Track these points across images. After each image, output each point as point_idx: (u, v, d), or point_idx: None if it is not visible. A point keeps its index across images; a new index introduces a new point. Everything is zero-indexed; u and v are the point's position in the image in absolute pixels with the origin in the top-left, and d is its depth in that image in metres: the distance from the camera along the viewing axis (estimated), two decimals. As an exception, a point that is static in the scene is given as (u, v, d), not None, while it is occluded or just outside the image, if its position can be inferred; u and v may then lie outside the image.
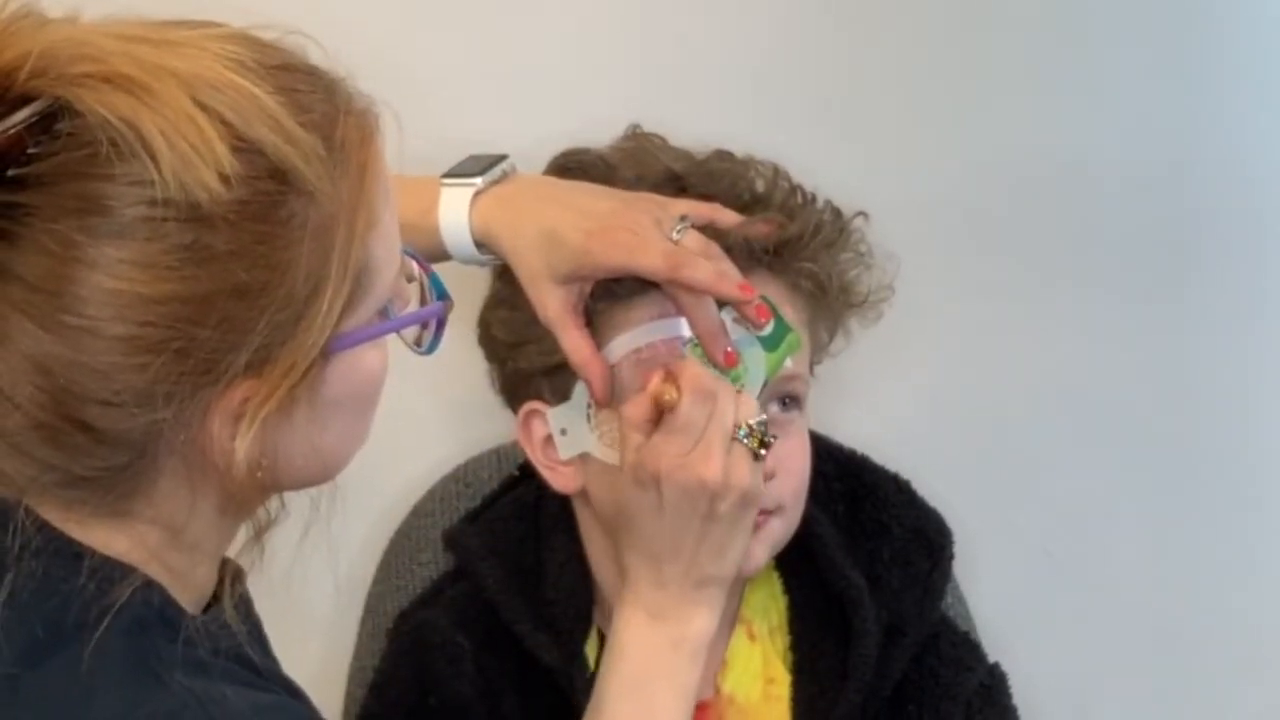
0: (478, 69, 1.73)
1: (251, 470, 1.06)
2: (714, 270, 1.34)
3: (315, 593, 1.79)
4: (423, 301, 1.15)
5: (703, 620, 1.33)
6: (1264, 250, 1.85)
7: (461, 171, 1.42)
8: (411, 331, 1.14)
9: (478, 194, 1.40)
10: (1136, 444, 1.86)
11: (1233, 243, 1.84)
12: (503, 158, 1.43)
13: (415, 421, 1.79)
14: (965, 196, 1.80)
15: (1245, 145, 1.83)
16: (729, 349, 1.36)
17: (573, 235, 1.34)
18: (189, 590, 1.12)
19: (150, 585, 1.08)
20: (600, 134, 1.52)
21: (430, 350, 1.16)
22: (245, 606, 1.21)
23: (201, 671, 1.06)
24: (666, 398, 1.32)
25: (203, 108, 1.00)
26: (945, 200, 1.79)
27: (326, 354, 1.05)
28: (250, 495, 1.11)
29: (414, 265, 1.15)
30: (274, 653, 1.22)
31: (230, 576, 1.19)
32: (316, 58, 1.10)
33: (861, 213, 1.46)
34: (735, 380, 1.37)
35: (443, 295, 1.15)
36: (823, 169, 1.48)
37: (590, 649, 1.48)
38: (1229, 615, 1.89)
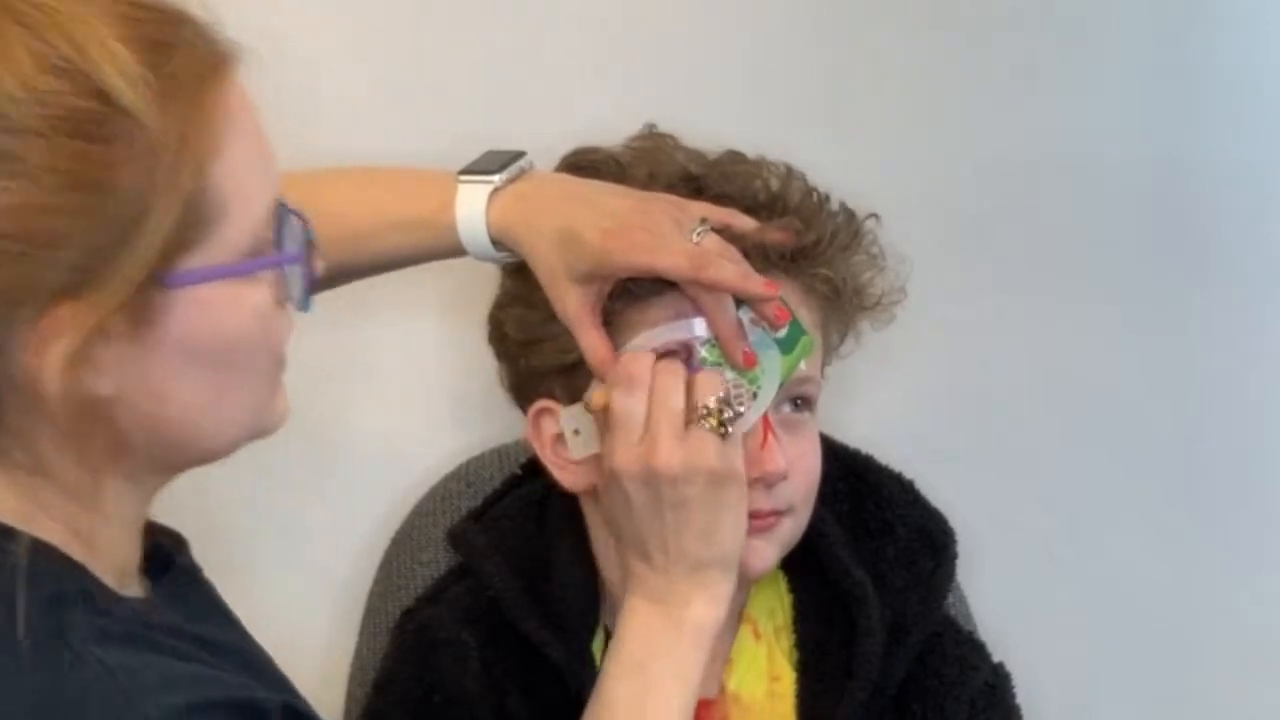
0: (488, 69, 1.73)
1: (84, 407, 1.05)
2: (738, 269, 1.33)
3: (316, 592, 1.79)
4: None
5: (703, 605, 1.33)
6: (1266, 251, 1.86)
7: (479, 168, 1.41)
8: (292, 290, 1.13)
9: (495, 191, 1.39)
10: (1139, 445, 1.87)
11: (1235, 244, 1.85)
12: (520, 154, 1.43)
13: (417, 421, 1.80)
14: (968, 198, 1.80)
15: (1248, 146, 1.84)
16: (747, 350, 1.36)
17: (592, 235, 1.33)
18: (104, 558, 1.12)
19: (70, 563, 1.08)
20: (606, 134, 1.52)
21: (302, 307, 1.14)
22: (189, 576, 1.22)
23: (120, 642, 1.06)
24: (597, 401, 1.34)
25: (20, 23, 1.01)
26: (948, 201, 1.79)
27: (163, 286, 1.05)
28: (128, 449, 1.10)
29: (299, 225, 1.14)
30: (236, 622, 1.24)
31: (169, 546, 1.21)
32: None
33: (874, 214, 1.46)
34: (752, 382, 1.37)
35: (307, 244, 1.15)
36: (829, 170, 1.48)
37: (597, 647, 1.48)
38: (1230, 615, 1.90)
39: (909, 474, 1.59)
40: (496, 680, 1.47)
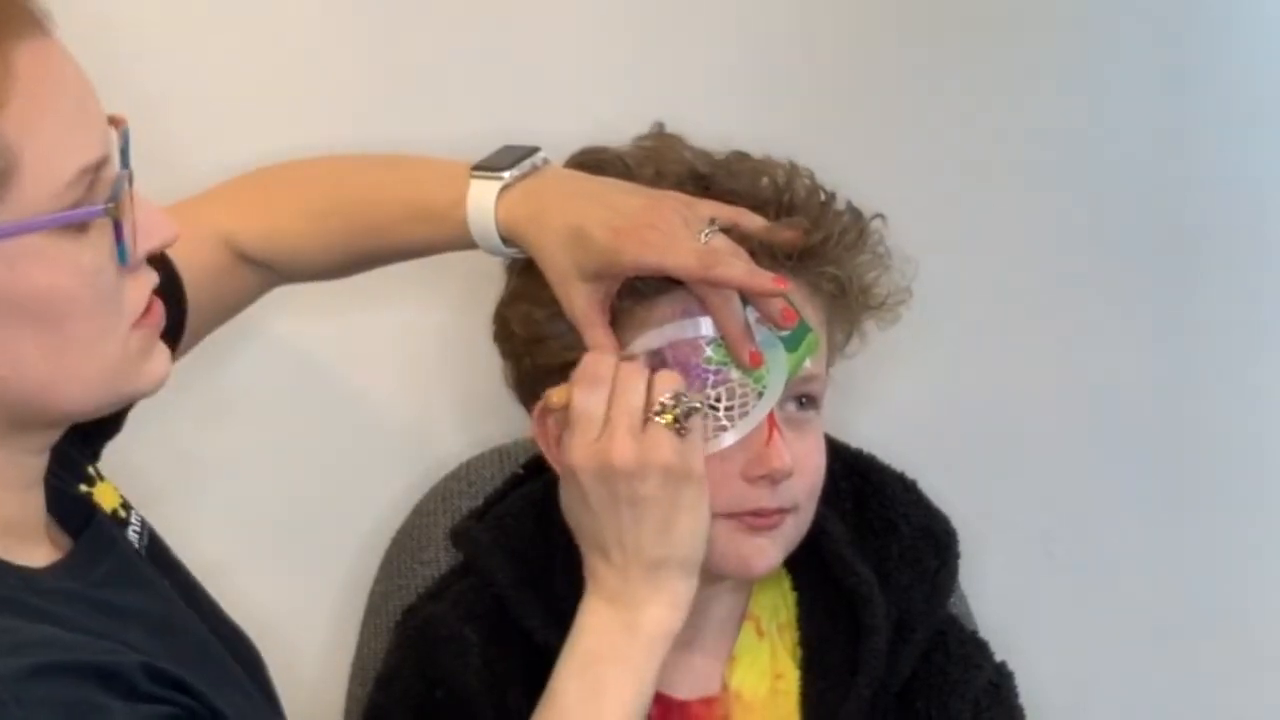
0: (498, 69, 1.73)
1: None
2: (747, 267, 1.34)
3: (316, 592, 1.79)
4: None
5: (659, 608, 1.33)
6: (1266, 252, 1.87)
7: (491, 165, 1.42)
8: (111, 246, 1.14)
9: (504, 189, 1.39)
10: (1139, 446, 1.88)
11: (1235, 245, 1.86)
12: (534, 150, 1.43)
13: (417, 421, 1.80)
14: (971, 199, 1.81)
15: (1248, 147, 1.85)
16: (754, 349, 1.36)
17: (601, 233, 1.33)
18: None
19: None
20: (613, 134, 1.52)
21: (121, 260, 1.15)
22: (106, 539, 1.24)
23: None
24: (556, 399, 1.34)
25: None
26: (950, 202, 1.80)
27: None
28: None
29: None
30: (156, 584, 1.25)
31: (90, 506, 1.24)
32: None
33: (879, 215, 1.47)
34: (758, 381, 1.37)
35: (112, 199, 1.14)
36: (835, 170, 1.48)
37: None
38: (1230, 615, 1.90)
39: (910, 473, 1.59)
40: (498, 677, 1.47)
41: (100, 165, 1.13)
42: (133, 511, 1.33)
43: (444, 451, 1.76)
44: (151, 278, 1.20)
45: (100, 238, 1.13)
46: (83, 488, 1.29)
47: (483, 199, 1.40)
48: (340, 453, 1.79)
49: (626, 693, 1.32)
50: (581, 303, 1.36)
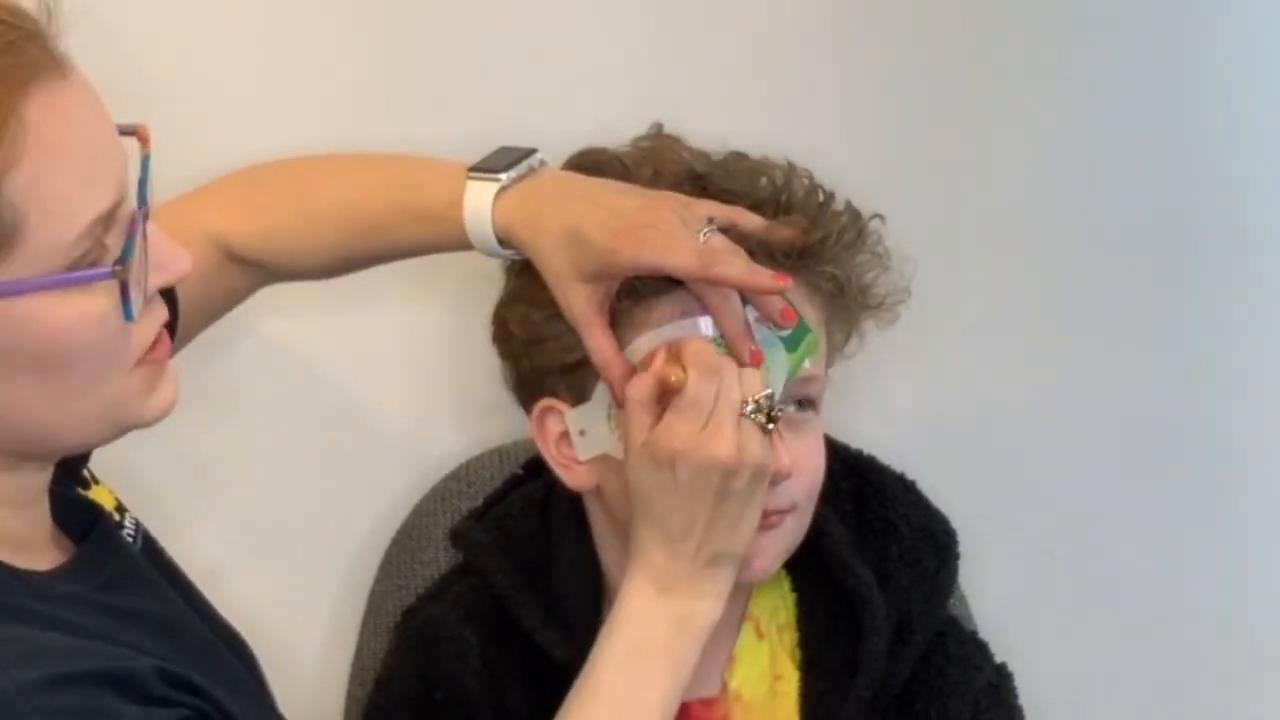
0: (495, 69, 1.73)
1: None
2: (746, 265, 1.34)
3: (316, 592, 1.79)
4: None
5: (710, 602, 1.34)
6: (1265, 253, 1.86)
7: (488, 166, 1.42)
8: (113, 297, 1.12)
9: (501, 190, 1.39)
10: (1139, 446, 1.87)
11: (1237, 246, 1.85)
12: (531, 152, 1.43)
13: (417, 421, 1.80)
14: (970, 199, 1.81)
15: (1245, 149, 1.84)
16: (754, 348, 1.36)
17: (599, 234, 1.33)
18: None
19: None
20: (611, 135, 1.52)
21: (127, 318, 1.13)
22: (109, 542, 1.24)
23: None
24: (674, 379, 1.33)
25: None
26: (950, 202, 1.79)
27: None
28: None
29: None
30: (159, 585, 1.25)
31: (92, 511, 1.24)
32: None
33: (878, 215, 1.46)
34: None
35: (120, 261, 1.12)
36: (834, 170, 1.48)
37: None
38: (1229, 615, 1.90)
39: (910, 474, 1.58)
40: (498, 678, 1.47)
41: (114, 209, 1.11)
42: (127, 514, 1.34)
43: (444, 451, 1.76)
44: (160, 313, 1.19)
45: (108, 288, 1.12)
46: (79, 490, 1.30)
47: (480, 201, 1.40)
48: (340, 453, 1.79)
49: (668, 685, 1.33)
50: (580, 303, 1.35)
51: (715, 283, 1.34)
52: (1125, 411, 1.86)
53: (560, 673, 1.44)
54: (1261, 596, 1.91)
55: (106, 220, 1.11)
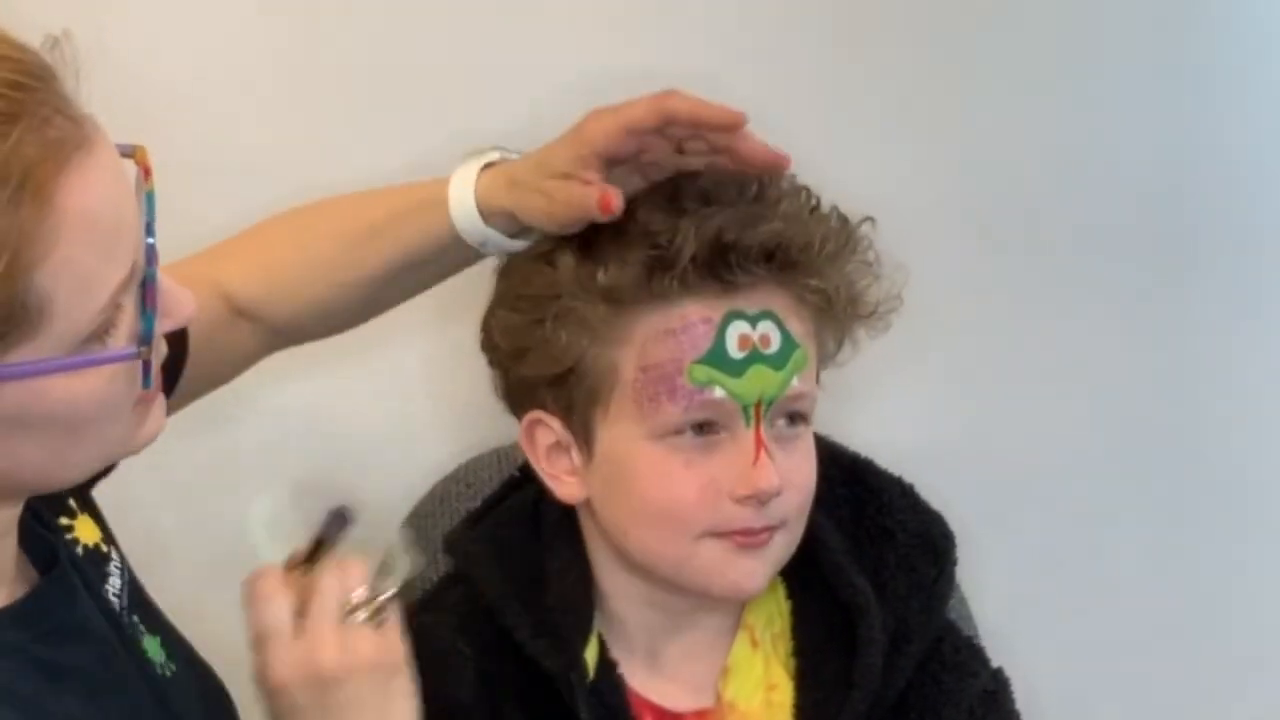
0: (488, 74, 1.73)
1: None
2: (699, 100, 1.36)
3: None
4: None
5: None
6: (1265, 254, 1.86)
7: (473, 151, 1.44)
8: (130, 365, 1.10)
9: (487, 166, 1.41)
10: (1139, 448, 1.87)
11: (1234, 246, 1.85)
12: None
13: (416, 422, 1.80)
14: (969, 201, 1.80)
15: (1244, 149, 1.83)
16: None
17: (561, 144, 1.37)
18: None
19: None
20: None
21: (145, 386, 1.11)
22: (63, 585, 1.21)
23: None
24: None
25: None
26: (949, 204, 1.79)
27: None
28: None
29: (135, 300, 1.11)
30: (96, 635, 1.21)
31: (55, 544, 1.21)
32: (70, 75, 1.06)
33: (869, 218, 1.44)
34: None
35: (144, 341, 1.10)
36: (827, 173, 1.46)
37: (591, 656, 1.47)
38: (1229, 616, 1.90)
39: (909, 476, 1.57)
40: (493, 690, 1.46)
41: (132, 272, 1.09)
42: (114, 547, 1.31)
43: (442, 453, 1.75)
44: (161, 352, 1.16)
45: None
46: (62, 520, 1.27)
47: (464, 177, 1.41)
48: (339, 454, 1.79)
49: None
50: (563, 191, 1.36)
51: (670, 116, 1.35)
52: (1126, 414, 1.86)
53: (552, 684, 1.44)
54: (1262, 598, 1.90)
55: (125, 284, 1.08)
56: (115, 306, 1.08)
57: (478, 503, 1.64)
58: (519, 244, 1.43)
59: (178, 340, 1.31)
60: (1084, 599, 1.88)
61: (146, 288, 1.10)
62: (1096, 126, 1.80)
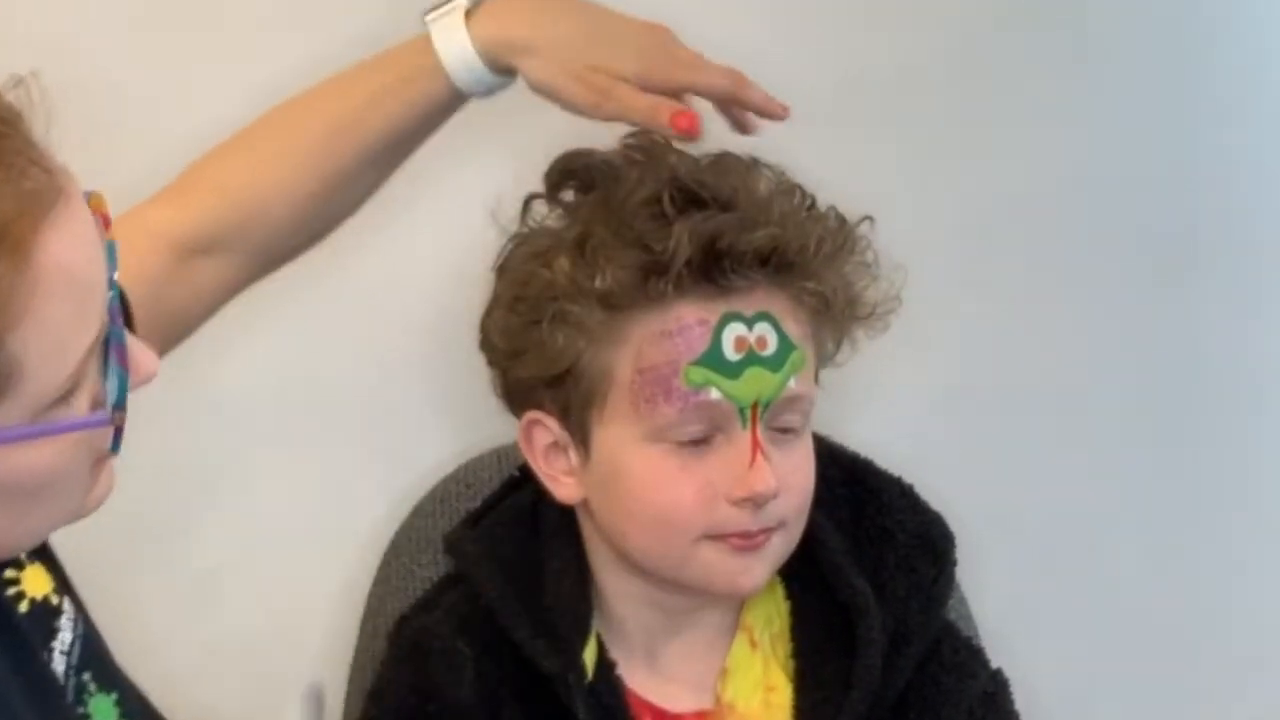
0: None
1: None
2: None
3: (315, 593, 1.79)
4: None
5: None
6: (1264, 255, 1.86)
7: (440, 2, 1.39)
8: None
9: (468, 14, 1.37)
10: (1139, 448, 1.87)
11: (1233, 247, 1.85)
12: None
13: (416, 421, 1.80)
14: (968, 201, 1.80)
15: (1245, 149, 1.83)
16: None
17: (605, 50, 1.37)
18: None
19: None
20: (600, 135, 1.51)
21: (114, 450, 1.07)
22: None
23: None
24: None
25: None
26: (949, 204, 1.79)
27: None
28: None
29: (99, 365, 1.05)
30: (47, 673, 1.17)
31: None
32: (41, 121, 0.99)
33: (867, 217, 1.44)
34: None
35: (117, 406, 1.05)
36: (825, 174, 1.46)
37: (589, 656, 1.46)
38: (1230, 616, 1.90)
39: (909, 475, 1.56)
40: (492, 690, 1.46)
41: (100, 332, 1.03)
42: (66, 598, 1.21)
43: (443, 452, 1.75)
44: (120, 416, 1.08)
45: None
46: (7, 573, 1.18)
47: (451, 33, 1.37)
48: (339, 453, 1.79)
49: None
50: (626, 94, 1.37)
51: (740, 103, 1.39)
52: (1125, 413, 1.86)
53: (551, 685, 1.44)
54: (1262, 597, 1.90)
55: (94, 345, 1.03)
56: (82, 369, 1.02)
57: (478, 503, 1.63)
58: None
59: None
60: (1084, 599, 1.88)
61: (111, 346, 1.04)
62: (1096, 127, 1.80)
